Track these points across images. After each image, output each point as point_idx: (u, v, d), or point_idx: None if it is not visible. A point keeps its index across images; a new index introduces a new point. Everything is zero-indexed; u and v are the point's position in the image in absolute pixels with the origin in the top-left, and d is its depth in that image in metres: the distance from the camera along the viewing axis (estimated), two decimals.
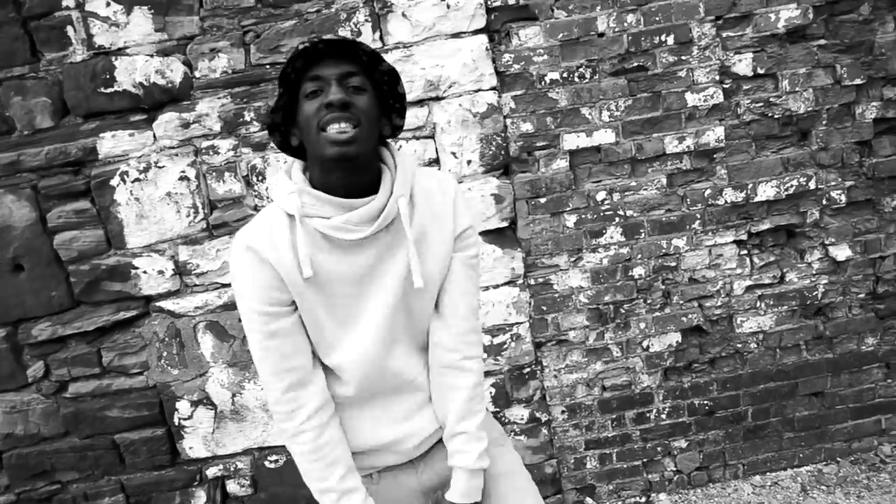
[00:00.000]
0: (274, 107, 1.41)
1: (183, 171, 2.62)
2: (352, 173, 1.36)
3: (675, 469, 2.99)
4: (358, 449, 1.54)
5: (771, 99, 2.71)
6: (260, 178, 2.63)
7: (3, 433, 2.83)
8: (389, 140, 1.49)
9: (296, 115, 1.39)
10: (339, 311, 1.43)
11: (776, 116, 2.72)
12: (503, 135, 2.66)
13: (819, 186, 2.78)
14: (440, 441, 1.61)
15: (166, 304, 2.73)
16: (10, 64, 2.55)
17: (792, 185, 2.76)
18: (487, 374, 2.81)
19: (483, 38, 2.58)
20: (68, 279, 2.71)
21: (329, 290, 1.40)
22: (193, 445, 2.85)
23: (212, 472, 2.88)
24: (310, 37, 1.32)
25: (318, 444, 1.44)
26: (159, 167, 2.61)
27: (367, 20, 2.54)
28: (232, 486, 2.91)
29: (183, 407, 2.81)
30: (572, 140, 2.68)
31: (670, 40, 2.64)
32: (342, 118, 1.29)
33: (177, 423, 2.83)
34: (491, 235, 2.72)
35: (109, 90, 2.55)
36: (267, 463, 2.88)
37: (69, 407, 2.82)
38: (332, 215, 1.36)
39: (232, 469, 2.88)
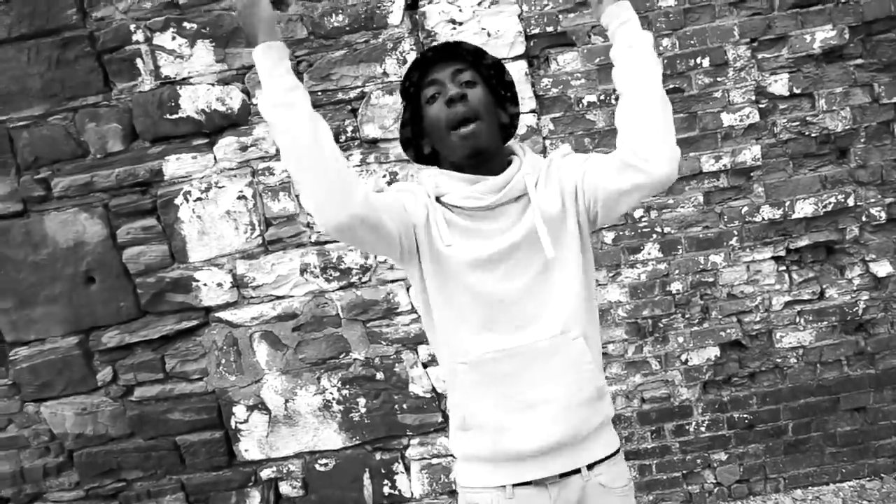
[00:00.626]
0: (402, 122, 1.53)
1: (241, 191, 2.80)
2: (482, 166, 1.44)
3: (714, 481, 3.03)
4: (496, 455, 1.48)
5: (808, 118, 2.75)
6: None
7: (74, 433, 3.05)
8: (519, 143, 1.59)
9: (423, 125, 1.50)
10: (482, 268, 1.44)
11: (813, 135, 2.76)
12: (543, 156, 2.76)
13: (858, 203, 2.80)
14: (579, 471, 1.48)
15: (224, 315, 2.91)
16: (86, 93, 2.78)
17: (830, 203, 2.79)
18: None
19: (523, 64, 2.70)
20: (135, 291, 2.92)
21: (470, 254, 1.43)
22: (249, 448, 3.02)
23: (266, 473, 3.05)
24: (420, 50, 1.41)
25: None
26: (219, 187, 2.80)
27: (412, 49, 2.69)
28: (284, 488, 3.06)
29: (239, 411, 2.98)
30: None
31: (706, 63, 2.71)
32: (466, 117, 1.38)
33: (233, 427, 3.00)
34: None
35: (174, 116, 2.76)
36: (317, 466, 3.03)
37: (135, 409, 3.02)
38: (465, 190, 1.44)
39: (284, 471, 3.04)
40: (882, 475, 3.01)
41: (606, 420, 1.52)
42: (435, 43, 1.44)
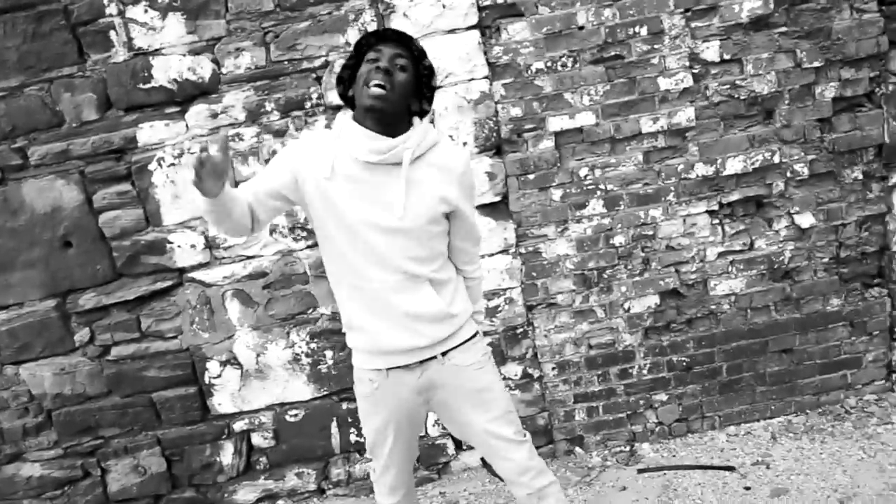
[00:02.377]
0: (344, 65, 1.93)
1: None
2: (380, 124, 1.84)
3: (656, 421, 3.29)
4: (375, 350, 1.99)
5: (737, 82, 3.00)
6: None
7: (52, 393, 3.18)
8: (422, 121, 1.95)
9: (356, 75, 1.87)
10: (349, 216, 1.88)
11: (742, 98, 3.01)
12: (495, 119, 2.98)
13: (783, 160, 3.06)
14: (434, 358, 2.00)
15: (198, 275, 3.07)
16: (61, 65, 2.90)
17: (758, 160, 3.05)
18: (485, 334, 3.12)
19: (475, 34, 2.90)
20: (111, 254, 3.06)
21: (349, 190, 1.87)
22: (222, 402, 3.19)
23: (238, 426, 3.22)
24: (384, 27, 1.86)
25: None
26: (192, 153, 2.95)
27: (372, 20, 2.88)
28: (256, 439, 3.24)
29: (213, 367, 3.15)
30: (557, 122, 2.99)
31: (644, 31, 2.94)
32: (381, 79, 1.77)
33: (207, 382, 3.17)
34: (486, 209, 3.03)
35: (147, 86, 2.91)
36: (288, 417, 3.21)
37: (111, 368, 3.16)
38: (358, 142, 1.85)
39: (256, 423, 3.22)
40: (807, 411, 3.30)
41: (456, 329, 2.01)
42: (394, 27, 2.01)
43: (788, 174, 3.09)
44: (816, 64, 2.99)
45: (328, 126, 2.95)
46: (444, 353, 2.00)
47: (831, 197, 3.12)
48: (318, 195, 1.88)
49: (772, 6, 2.94)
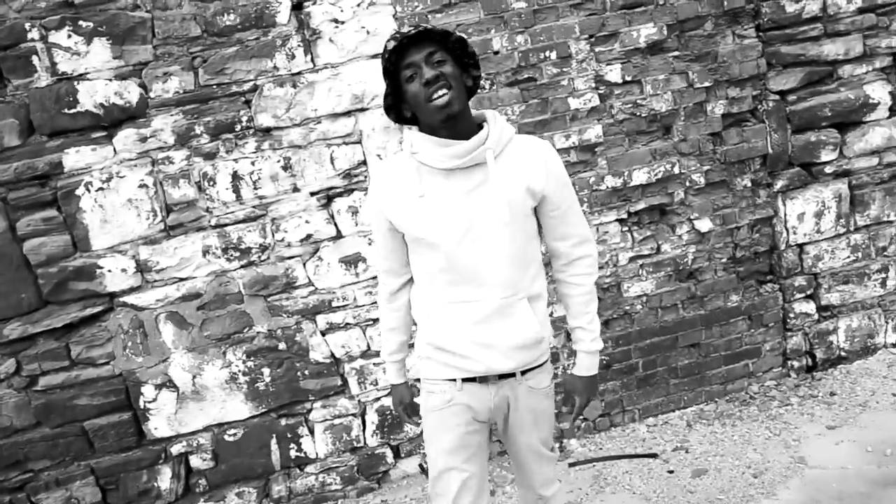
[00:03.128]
0: (385, 94, 1.86)
1: (142, 180, 2.98)
2: (454, 128, 1.78)
3: (581, 417, 3.50)
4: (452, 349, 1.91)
5: (638, 101, 3.29)
6: (211, 183, 3.03)
7: None
8: (491, 111, 1.90)
9: (402, 96, 1.83)
10: (446, 222, 1.82)
11: (643, 115, 3.30)
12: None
13: (682, 171, 3.37)
14: (513, 375, 1.93)
15: (129, 299, 3.07)
16: None
17: (660, 171, 3.34)
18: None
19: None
20: (37, 281, 3.01)
21: (436, 206, 1.82)
22: (158, 426, 3.18)
23: (176, 449, 3.21)
24: (392, 35, 1.73)
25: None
26: (120, 177, 2.97)
27: (299, 45, 3.00)
28: (195, 461, 3.24)
29: (148, 391, 3.14)
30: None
31: (553, 55, 3.19)
32: (439, 87, 1.71)
33: (142, 407, 3.15)
34: None
35: (73, 111, 2.91)
36: (226, 437, 3.23)
37: (40, 399, 3.09)
38: (434, 152, 1.79)
39: (194, 445, 3.22)
40: (716, 399, 3.59)
41: (542, 352, 1.97)
42: (406, 29, 1.76)
43: (687, 183, 3.39)
44: (706, 84, 3.32)
45: (259, 148, 3.03)
46: (522, 373, 1.94)
47: (725, 203, 3.45)
48: (411, 218, 1.84)
49: (665, 32, 3.25)
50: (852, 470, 2.90)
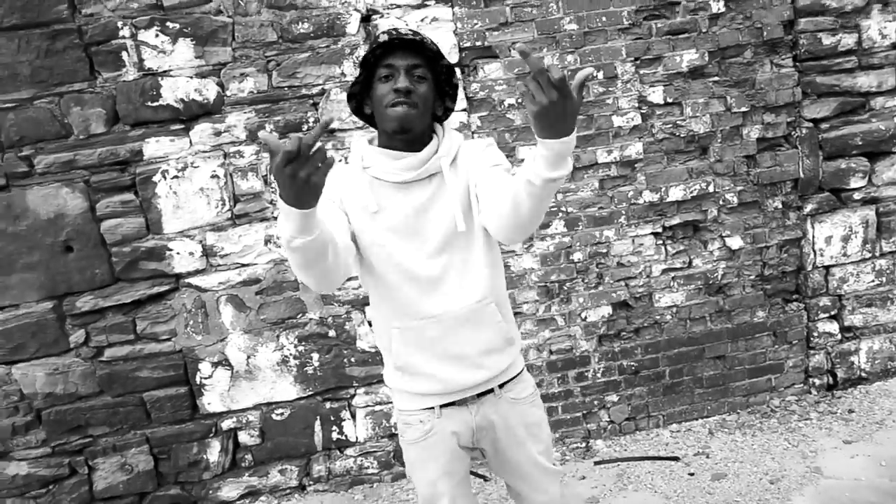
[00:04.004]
0: (354, 81, 1.78)
1: (214, 171, 3.22)
2: (408, 142, 1.72)
3: (608, 420, 3.67)
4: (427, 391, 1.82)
5: (678, 122, 3.48)
6: None
7: (44, 392, 3.32)
8: (445, 122, 1.84)
9: (370, 91, 1.75)
10: (403, 237, 1.74)
11: (682, 136, 3.49)
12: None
13: (716, 190, 3.55)
14: (491, 391, 1.86)
15: (194, 280, 3.30)
16: (72, 80, 3.13)
17: (695, 189, 3.52)
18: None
19: (456, 71, 3.29)
20: (111, 259, 3.26)
21: (392, 222, 1.74)
22: (212, 401, 3.40)
23: (226, 424, 3.43)
24: (388, 29, 1.71)
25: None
26: (194, 167, 3.21)
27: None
28: (243, 437, 3.45)
29: (204, 368, 3.36)
30: (525, 152, 3.40)
31: (600, 75, 3.40)
32: (404, 102, 1.65)
33: (198, 382, 3.37)
34: None
35: (155, 104, 3.16)
36: (274, 416, 3.44)
37: (104, 369, 3.33)
38: (387, 165, 1.74)
39: (244, 422, 3.43)
40: (738, 410, 3.74)
41: (514, 358, 1.90)
42: (405, 30, 1.69)
43: (721, 202, 3.57)
44: (743, 109, 3.50)
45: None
46: (500, 386, 1.87)
47: (756, 223, 3.62)
48: (366, 234, 1.75)
49: (706, 59, 3.44)
50: (865, 482, 3.04)
